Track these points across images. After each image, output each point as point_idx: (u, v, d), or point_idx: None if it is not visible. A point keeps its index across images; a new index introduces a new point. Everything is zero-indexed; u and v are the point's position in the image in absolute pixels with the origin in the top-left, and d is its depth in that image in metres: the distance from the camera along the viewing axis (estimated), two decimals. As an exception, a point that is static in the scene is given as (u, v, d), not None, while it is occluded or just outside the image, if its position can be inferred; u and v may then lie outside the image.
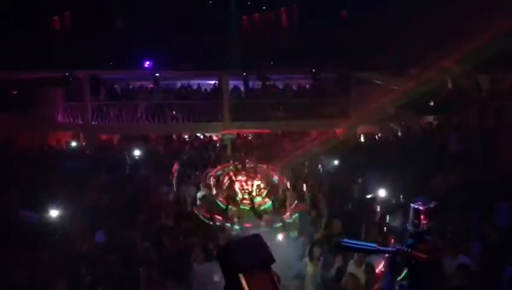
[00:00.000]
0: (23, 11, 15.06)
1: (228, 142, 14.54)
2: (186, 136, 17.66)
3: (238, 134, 17.31)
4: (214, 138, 17.61)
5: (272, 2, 18.46)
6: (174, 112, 16.96)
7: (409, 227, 2.22)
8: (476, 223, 8.32)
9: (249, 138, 17.83)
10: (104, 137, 17.15)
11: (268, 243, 1.93)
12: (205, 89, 18.63)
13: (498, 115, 12.58)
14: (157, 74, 16.68)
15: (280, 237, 7.38)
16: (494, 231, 7.50)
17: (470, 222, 8.37)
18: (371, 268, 5.41)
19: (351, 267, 5.40)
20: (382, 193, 10.16)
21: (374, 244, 2.33)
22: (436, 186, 10.26)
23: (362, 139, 16.03)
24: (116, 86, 18.88)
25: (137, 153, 14.06)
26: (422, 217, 2.19)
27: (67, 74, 15.38)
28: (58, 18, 17.29)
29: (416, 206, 2.22)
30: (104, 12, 16.45)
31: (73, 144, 16.00)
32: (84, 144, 16.31)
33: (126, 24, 16.34)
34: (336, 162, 12.39)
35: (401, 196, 9.77)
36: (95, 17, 15.86)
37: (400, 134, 15.83)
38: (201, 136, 17.61)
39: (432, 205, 2.22)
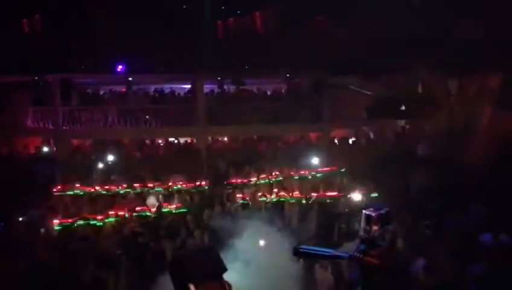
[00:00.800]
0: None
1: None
2: (160, 141, 17.51)
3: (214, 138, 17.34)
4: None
5: (247, 7, 18.46)
6: (147, 117, 16.77)
7: (361, 233, 2.24)
8: (447, 225, 8.50)
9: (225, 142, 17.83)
10: (75, 142, 16.85)
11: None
12: (179, 93, 18.50)
13: (466, 119, 12.88)
14: (130, 78, 16.49)
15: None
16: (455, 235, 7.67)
17: (440, 225, 8.55)
18: (338, 272, 5.46)
19: (318, 271, 5.43)
20: (356, 196, 10.32)
21: (331, 250, 2.34)
22: (406, 190, 10.44)
23: (336, 142, 16.20)
24: (88, 90, 18.57)
25: (110, 158, 13.89)
26: (373, 223, 2.21)
27: (36, 77, 15.06)
28: (28, 20, 16.90)
29: (367, 213, 2.23)
30: (76, 14, 16.17)
31: (45, 149, 15.69)
32: (55, 149, 16.00)
33: (98, 27, 16.07)
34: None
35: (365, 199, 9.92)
36: (66, 20, 15.56)
37: (372, 138, 16.08)
38: (176, 141, 17.48)
39: (383, 211, 2.24)
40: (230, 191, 11.15)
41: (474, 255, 7.28)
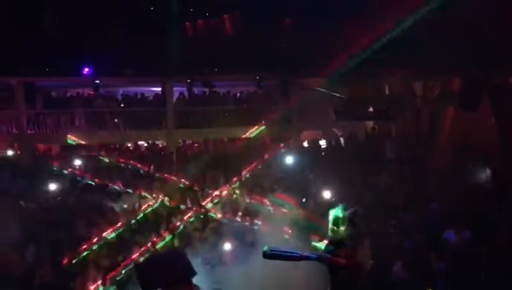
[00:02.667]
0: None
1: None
2: (129, 145, 17.26)
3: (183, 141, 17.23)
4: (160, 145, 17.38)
5: (215, 9, 18.41)
6: (116, 120, 16.50)
7: (329, 233, 2.29)
8: (410, 223, 8.74)
9: (195, 145, 17.73)
10: (41, 147, 16.39)
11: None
12: (148, 96, 18.29)
13: (430, 120, 13.27)
14: (97, 81, 16.19)
15: None
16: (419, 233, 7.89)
17: (404, 223, 8.78)
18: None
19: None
20: (327, 194, 10.50)
21: (298, 252, 2.38)
22: (371, 190, 10.66)
23: (306, 144, 16.37)
24: (52, 94, 18.11)
25: (78, 163, 13.62)
26: (341, 223, 2.26)
27: (-2, 81, 14.60)
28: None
29: (335, 214, 2.29)
30: (40, 15, 15.74)
31: (8, 152, 15.24)
32: (19, 153, 15.53)
33: (64, 28, 15.69)
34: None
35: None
36: (29, 20, 15.13)
37: (341, 139, 16.32)
38: (145, 144, 17.27)
39: (349, 212, 2.30)
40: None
41: (439, 251, 7.53)
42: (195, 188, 11.72)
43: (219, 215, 10.09)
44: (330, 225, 2.30)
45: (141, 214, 10.24)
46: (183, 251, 1.94)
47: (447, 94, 13.11)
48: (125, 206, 10.74)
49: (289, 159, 12.98)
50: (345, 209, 2.31)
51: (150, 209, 10.38)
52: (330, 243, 2.30)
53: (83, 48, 15.44)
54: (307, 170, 12.54)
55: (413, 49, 11.46)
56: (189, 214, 10.05)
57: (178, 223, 9.58)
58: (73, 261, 8.31)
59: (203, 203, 10.58)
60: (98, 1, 16.34)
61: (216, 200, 10.95)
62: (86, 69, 15.89)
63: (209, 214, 10.19)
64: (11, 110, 16.08)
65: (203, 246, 8.18)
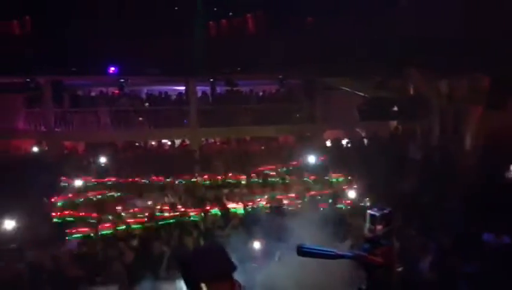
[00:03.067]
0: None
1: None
2: (153, 143, 17.49)
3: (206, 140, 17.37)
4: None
5: (239, 8, 18.51)
6: (140, 119, 16.75)
7: (366, 232, 2.30)
8: (435, 226, 8.62)
9: (218, 143, 17.86)
10: (68, 144, 16.77)
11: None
12: (171, 95, 18.50)
13: (456, 119, 13.05)
14: (122, 80, 16.45)
15: None
16: (446, 234, 7.79)
17: (430, 226, 8.67)
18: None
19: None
20: (351, 194, 10.46)
21: (334, 250, 2.39)
22: (397, 191, 10.56)
23: (328, 143, 16.31)
24: (79, 92, 18.49)
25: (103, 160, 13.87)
26: (377, 222, 2.28)
27: (28, 80, 14.97)
28: (18, 22, 16.77)
29: (372, 213, 2.30)
30: (68, 16, 16.09)
31: (35, 149, 15.63)
32: (47, 149, 15.95)
33: (91, 28, 15.99)
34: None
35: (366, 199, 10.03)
36: (58, 21, 15.47)
37: (365, 139, 16.20)
38: (169, 142, 17.47)
39: (386, 211, 2.31)
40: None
41: (467, 254, 7.41)
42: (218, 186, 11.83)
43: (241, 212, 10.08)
44: (367, 224, 2.31)
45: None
46: (224, 246, 2.01)
47: (474, 93, 12.88)
48: (149, 203, 10.87)
49: (312, 159, 12.95)
50: (382, 208, 2.32)
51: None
52: (367, 241, 2.31)
53: (109, 48, 15.72)
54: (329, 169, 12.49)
55: (439, 48, 11.31)
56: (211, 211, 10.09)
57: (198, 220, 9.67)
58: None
59: (225, 201, 10.62)
60: (123, 1, 16.63)
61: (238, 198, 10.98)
62: (112, 68, 16.17)
63: (232, 210, 10.21)
64: (39, 108, 16.49)
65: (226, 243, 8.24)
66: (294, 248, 2.36)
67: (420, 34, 11.69)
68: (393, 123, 16.45)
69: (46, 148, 16.13)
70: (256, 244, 7.50)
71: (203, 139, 17.29)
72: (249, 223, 9.28)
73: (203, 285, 1.84)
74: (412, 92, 14.71)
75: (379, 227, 2.28)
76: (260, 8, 18.31)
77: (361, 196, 10.16)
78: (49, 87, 15.95)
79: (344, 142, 16.19)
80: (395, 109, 13.90)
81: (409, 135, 14.59)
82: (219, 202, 10.48)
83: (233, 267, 1.94)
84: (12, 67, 14.52)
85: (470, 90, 13.25)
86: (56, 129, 16.24)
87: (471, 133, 12.63)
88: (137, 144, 16.94)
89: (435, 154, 12.39)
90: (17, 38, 16.75)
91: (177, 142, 17.35)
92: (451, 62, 11.74)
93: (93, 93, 18.66)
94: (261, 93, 18.63)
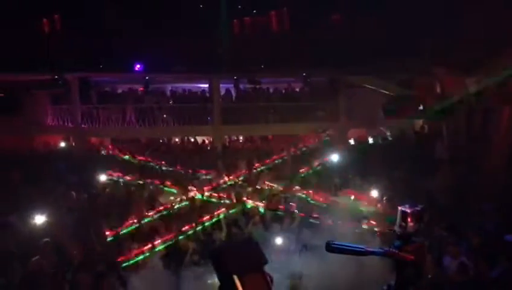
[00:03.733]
0: (11, 13, 14.95)
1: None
2: (176, 139, 17.68)
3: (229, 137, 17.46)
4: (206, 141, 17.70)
5: (263, 6, 18.52)
6: (164, 115, 16.93)
7: (396, 229, 2.28)
8: (463, 225, 8.47)
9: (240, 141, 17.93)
10: (94, 140, 17.07)
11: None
12: (196, 92, 18.63)
13: (484, 118, 12.75)
14: (147, 77, 16.66)
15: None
16: (476, 235, 7.64)
17: (458, 224, 8.51)
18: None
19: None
20: (374, 193, 10.34)
21: (363, 246, 2.37)
22: (424, 190, 10.39)
23: (352, 142, 16.16)
24: (106, 89, 18.80)
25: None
26: (409, 219, 2.25)
27: (56, 76, 15.29)
28: (47, 20, 17.17)
29: (403, 209, 2.27)
30: (94, 14, 16.39)
31: (62, 145, 15.99)
32: (73, 145, 16.29)
33: (117, 27, 16.26)
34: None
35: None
36: (85, 19, 15.78)
37: (390, 138, 15.99)
38: (192, 140, 17.62)
39: (418, 208, 2.28)
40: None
41: (496, 256, 7.25)
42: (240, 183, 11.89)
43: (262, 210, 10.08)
44: (398, 221, 2.29)
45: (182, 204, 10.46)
46: (255, 239, 2.03)
47: (503, 92, 12.56)
48: (172, 198, 10.97)
49: (335, 157, 12.86)
50: (413, 205, 2.30)
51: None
52: (398, 238, 2.29)
53: (134, 45, 15.96)
54: (352, 168, 12.39)
55: (466, 46, 11.08)
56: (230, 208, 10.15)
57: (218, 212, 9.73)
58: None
59: (247, 198, 10.62)
60: (148, 1, 16.84)
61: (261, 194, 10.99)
62: (138, 66, 16.40)
63: (253, 207, 10.24)
64: (67, 105, 16.84)
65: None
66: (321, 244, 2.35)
67: (448, 32, 11.48)
68: (419, 122, 16.19)
69: (73, 144, 16.46)
70: (278, 240, 7.54)
71: (226, 136, 17.36)
72: (269, 221, 9.32)
73: (235, 277, 1.86)
74: (438, 90, 14.43)
75: (410, 224, 2.25)
76: (284, 5, 18.29)
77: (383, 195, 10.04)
78: (77, 84, 16.25)
79: (369, 141, 16.02)
80: (421, 107, 13.68)
81: (435, 134, 14.33)
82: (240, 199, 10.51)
83: (265, 260, 1.96)
84: (41, 64, 14.87)
85: (498, 89, 12.93)
86: (83, 125, 16.55)
87: (499, 133, 12.33)
88: (161, 141, 17.13)
89: (462, 155, 12.13)
90: (46, 36, 17.16)
91: (200, 139, 17.51)
92: (480, 60, 11.49)
93: (119, 90, 18.95)
94: (284, 91, 18.58)
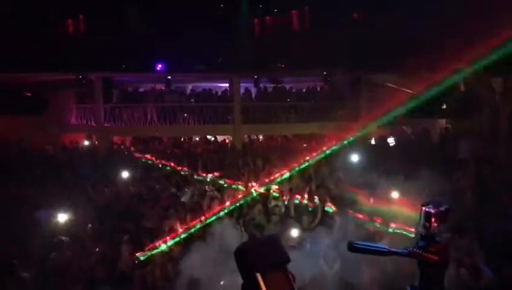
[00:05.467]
0: (36, 13, 15.28)
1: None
2: (197, 138, 17.80)
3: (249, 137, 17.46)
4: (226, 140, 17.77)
5: (284, 5, 18.48)
6: (185, 115, 17.08)
7: (420, 229, 2.25)
8: (486, 228, 8.28)
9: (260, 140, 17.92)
10: (116, 139, 17.34)
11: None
12: (216, 92, 18.72)
13: (510, 118, 12.47)
14: (169, 77, 16.82)
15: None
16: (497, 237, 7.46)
17: (481, 227, 8.33)
18: None
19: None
20: (395, 194, 10.16)
21: (386, 246, 2.35)
22: (446, 190, 10.17)
23: (373, 142, 15.99)
24: (128, 89, 19.06)
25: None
26: (433, 219, 2.21)
27: (80, 76, 15.58)
28: (72, 21, 17.50)
29: (427, 209, 2.23)
30: (117, 15, 16.62)
31: (86, 143, 16.29)
32: (96, 144, 16.58)
33: (139, 27, 16.46)
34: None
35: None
36: (108, 20, 16.02)
37: (412, 137, 15.76)
38: (212, 139, 17.71)
39: (442, 208, 2.24)
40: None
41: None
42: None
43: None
44: (422, 221, 2.25)
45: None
46: (277, 237, 2.03)
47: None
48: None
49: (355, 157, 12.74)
50: (437, 205, 2.26)
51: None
52: (422, 238, 2.25)
53: (156, 45, 16.12)
54: (373, 168, 12.23)
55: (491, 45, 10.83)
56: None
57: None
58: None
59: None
60: (170, 1, 16.98)
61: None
62: (159, 66, 16.56)
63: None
64: (90, 104, 17.15)
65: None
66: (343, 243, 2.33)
67: (472, 30, 11.24)
68: (442, 122, 15.92)
69: (96, 142, 16.75)
70: (294, 232, 7.51)
71: (246, 135, 17.40)
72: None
73: (258, 275, 1.86)
74: (462, 89, 14.16)
75: (434, 224, 2.22)
76: (305, 4, 18.21)
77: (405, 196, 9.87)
78: (100, 83, 16.53)
79: (390, 140, 15.82)
80: (444, 106, 13.44)
81: (459, 134, 14.06)
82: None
83: (288, 258, 1.95)
84: (65, 64, 15.17)
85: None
86: (105, 124, 16.81)
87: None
88: (182, 139, 17.27)
89: (486, 155, 11.87)
90: (71, 36, 17.49)
91: (220, 138, 17.58)
92: (506, 59, 11.22)
93: (141, 90, 19.19)
94: (304, 90, 18.51)
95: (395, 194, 10.21)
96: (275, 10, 18.63)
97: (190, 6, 16.90)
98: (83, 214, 9.31)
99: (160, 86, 18.28)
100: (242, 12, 17.87)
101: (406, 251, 2.21)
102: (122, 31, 16.16)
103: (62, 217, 8.81)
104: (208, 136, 17.72)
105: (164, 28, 16.41)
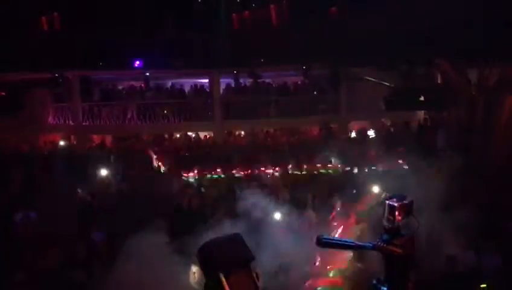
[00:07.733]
0: (10, 12, 14.95)
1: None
2: (177, 135, 17.68)
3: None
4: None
5: (262, 0, 18.43)
6: (165, 111, 16.94)
7: (384, 223, 2.26)
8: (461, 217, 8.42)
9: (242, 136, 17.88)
10: (95, 138, 17.10)
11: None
12: (195, 87, 18.62)
13: (486, 109, 12.67)
14: (147, 74, 16.65)
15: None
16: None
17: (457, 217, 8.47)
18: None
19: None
20: (375, 188, 10.24)
21: (352, 241, 2.37)
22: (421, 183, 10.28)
23: (353, 134, 16.11)
24: (107, 86, 18.82)
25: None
26: (397, 213, 2.24)
27: (56, 75, 15.31)
28: (46, 18, 17.16)
29: (390, 203, 2.26)
30: (93, 12, 16.35)
31: (62, 143, 16.02)
32: (75, 143, 16.33)
33: (115, 23, 16.22)
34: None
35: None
36: (84, 17, 15.76)
37: (391, 129, 15.93)
38: (193, 135, 17.60)
39: (406, 201, 2.27)
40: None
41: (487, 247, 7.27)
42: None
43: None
44: (386, 215, 2.27)
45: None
46: (241, 235, 2.02)
47: (505, 82, 12.46)
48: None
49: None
50: (401, 198, 2.28)
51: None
52: (386, 232, 2.27)
53: (133, 42, 15.92)
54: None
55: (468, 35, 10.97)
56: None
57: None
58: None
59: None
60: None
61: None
62: (137, 62, 16.38)
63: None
64: (67, 103, 16.88)
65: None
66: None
67: (449, 21, 11.37)
68: (420, 114, 16.11)
69: (75, 142, 16.50)
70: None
71: (226, 131, 17.36)
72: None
73: (221, 275, 1.85)
74: (439, 81, 14.34)
75: (398, 217, 2.24)
76: (283, -1, 18.18)
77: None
78: (77, 82, 16.28)
79: (370, 133, 15.96)
80: (422, 98, 13.59)
81: (437, 125, 14.27)
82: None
83: (251, 257, 1.95)
84: (41, 63, 14.88)
85: (501, 79, 12.84)
86: (84, 123, 16.58)
87: (502, 125, 12.24)
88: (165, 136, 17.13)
89: (463, 145, 12.06)
90: (45, 34, 17.15)
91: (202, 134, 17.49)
92: (482, 50, 11.39)
93: (120, 87, 18.97)
94: (284, 85, 18.53)
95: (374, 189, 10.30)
96: (253, 5, 18.55)
97: (168, 2, 16.74)
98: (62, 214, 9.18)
99: (140, 84, 18.09)
100: (220, 8, 17.76)
101: (371, 245, 2.23)
102: (99, 28, 15.91)
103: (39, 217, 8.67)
104: (189, 133, 17.61)
105: (142, 24, 16.22)
